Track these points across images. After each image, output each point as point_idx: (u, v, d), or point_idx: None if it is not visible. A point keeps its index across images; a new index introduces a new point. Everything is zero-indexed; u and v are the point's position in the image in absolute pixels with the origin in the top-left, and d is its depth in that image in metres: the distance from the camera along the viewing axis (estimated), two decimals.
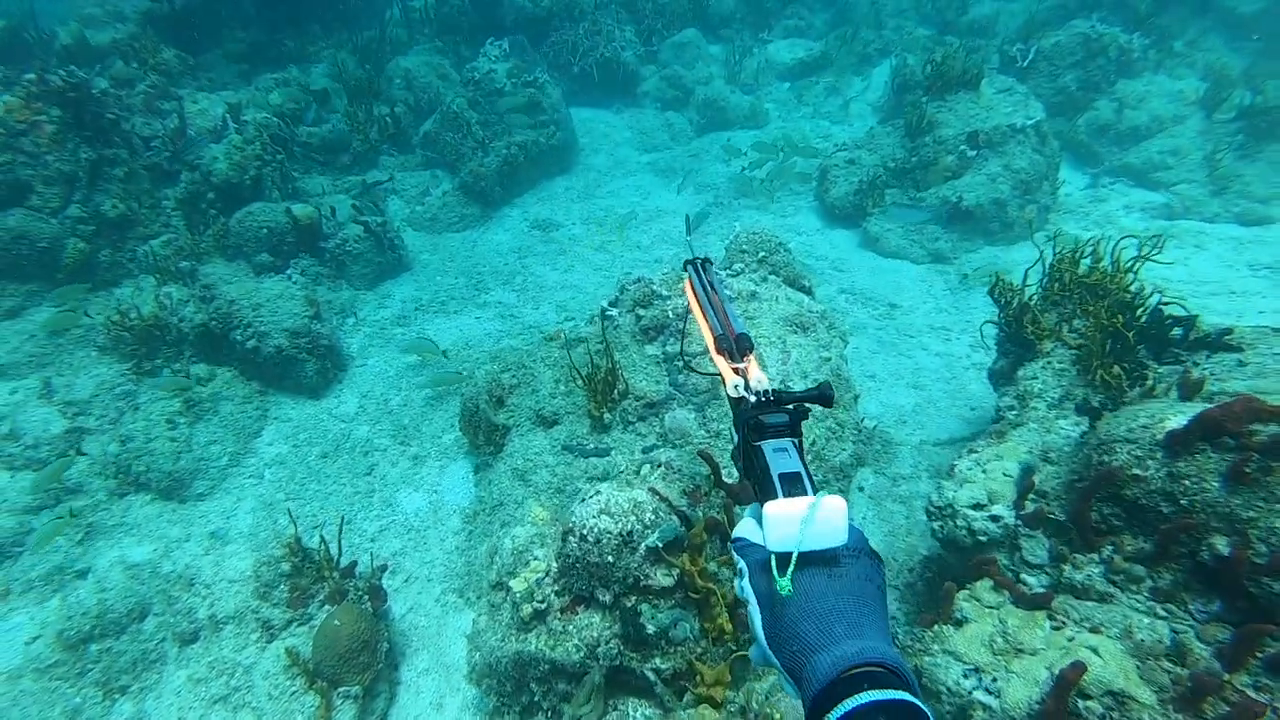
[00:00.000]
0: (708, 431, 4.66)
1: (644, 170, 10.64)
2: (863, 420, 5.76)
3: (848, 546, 1.12)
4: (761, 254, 5.63)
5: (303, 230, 7.74)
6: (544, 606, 3.41)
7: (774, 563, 1.09)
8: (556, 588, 3.48)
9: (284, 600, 4.36)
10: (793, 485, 1.17)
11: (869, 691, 0.90)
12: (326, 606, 4.32)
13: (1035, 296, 5.11)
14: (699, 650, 3.32)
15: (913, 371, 6.64)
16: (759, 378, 1.42)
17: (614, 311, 5.27)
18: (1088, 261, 5.17)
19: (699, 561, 3.32)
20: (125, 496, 5.54)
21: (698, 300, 1.75)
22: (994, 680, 3.02)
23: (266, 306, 6.39)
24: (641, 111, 11.82)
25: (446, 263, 8.67)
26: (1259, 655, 2.79)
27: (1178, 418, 3.34)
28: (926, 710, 0.89)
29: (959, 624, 3.28)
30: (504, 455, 5.24)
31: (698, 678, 3.27)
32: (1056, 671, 2.82)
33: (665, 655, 3.29)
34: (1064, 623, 3.17)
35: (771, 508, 1.11)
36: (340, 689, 3.91)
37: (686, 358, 4.92)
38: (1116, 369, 4.32)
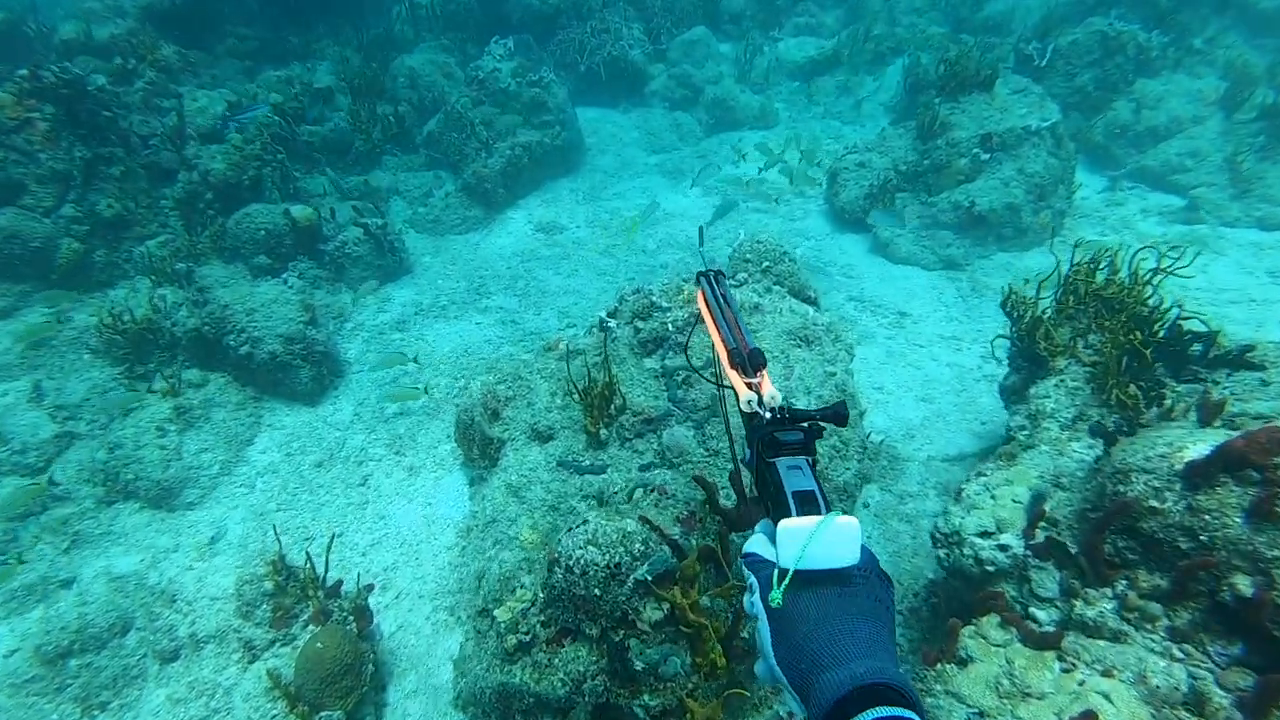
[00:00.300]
0: (706, 450, 4.50)
1: (651, 171, 10.47)
2: (869, 435, 5.59)
3: (859, 567, 1.13)
4: (765, 263, 5.46)
5: (301, 232, 7.63)
6: (529, 639, 3.27)
7: (775, 577, 1.11)
8: (543, 618, 3.34)
9: (267, 620, 4.24)
10: (807, 504, 1.19)
11: (876, 709, 0.91)
12: (310, 627, 4.20)
13: (1049, 310, 4.93)
14: (690, 686, 3.17)
15: (922, 383, 6.46)
16: (772, 393, 1.42)
17: (612, 323, 5.12)
18: (1104, 272, 4.98)
19: (691, 594, 3.16)
20: (113, 505, 5.45)
21: (710, 313, 1.75)
22: None
23: (261, 311, 6.27)
24: (649, 111, 11.65)
25: (448, 266, 8.54)
26: None
27: (1198, 446, 3.16)
28: None
29: (963, 663, 3.12)
30: (498, 469, 5.10)
31: (689, 715, 3.12)
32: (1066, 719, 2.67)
33: (655, 692, 3.14)
34: (1074, 664, 3.00)
35: (785, 525, 1.13)
36: (322, 713, 3.79)
37: (689, 370, 4.76)
38: (1133, 388, 4.13)
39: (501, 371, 5.49)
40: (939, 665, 3.17)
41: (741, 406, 1.43)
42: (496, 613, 3.36)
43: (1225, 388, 4.14)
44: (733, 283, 5.31)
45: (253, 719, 3.91)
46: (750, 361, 1.53)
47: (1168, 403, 4.08)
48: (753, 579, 1.21)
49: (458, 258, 8.69)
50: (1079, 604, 3.25)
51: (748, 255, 5.51)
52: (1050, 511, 3.65)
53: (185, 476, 5.55)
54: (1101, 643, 3.06)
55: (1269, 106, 8.99)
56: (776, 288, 5.40)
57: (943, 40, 12.24)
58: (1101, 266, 4.97)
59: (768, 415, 1.38)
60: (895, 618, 1.23)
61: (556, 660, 3.22)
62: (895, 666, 1.03)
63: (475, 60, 10.41)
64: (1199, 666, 2.90)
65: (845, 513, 1.15)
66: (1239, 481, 2.94)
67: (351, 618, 4.21)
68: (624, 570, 3.10)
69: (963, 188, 8.44)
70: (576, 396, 4.78)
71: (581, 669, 3.17)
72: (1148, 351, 4.21)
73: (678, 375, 4.77)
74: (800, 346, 4.97)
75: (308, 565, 4.32)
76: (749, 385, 1.47)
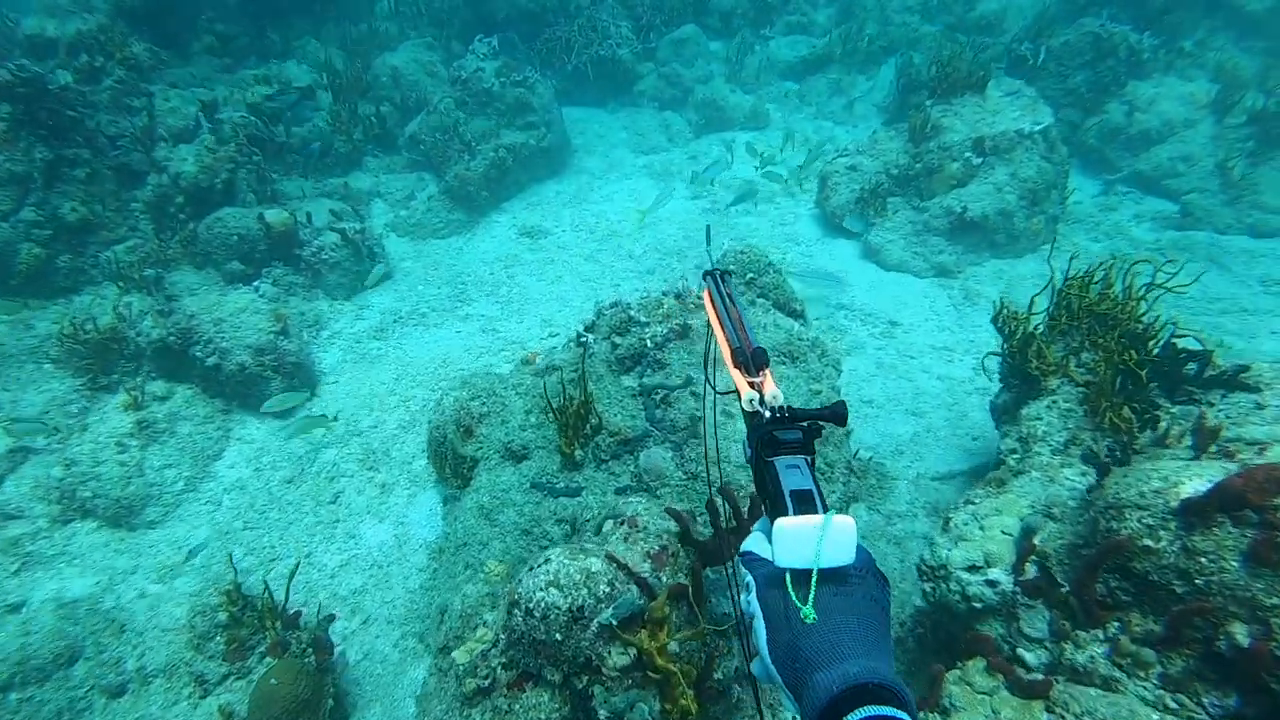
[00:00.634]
0: (685, 473, 4.33)
1: (640, 173, 10.26)
2: (857, 453, 5.42)
3: (855, 566, 1.13)
4: (750, 275, 5.28)
5: (276, 237, 7.42)
6: (488, 683, 3.09)
7: (789, 580, 1.11)
8: (504, 659, 3.16)
9: (220, 653, 4.05)
10: (804, 503, 1.19)
11: (867, 708, 0.91)
12: (267, 659, 4.01)
13: (1041, 326, 4.76)
14: None
15: (913, 396, 6.28)
16: (774, 392, 1.42)
17: (589, 337, 4.94)
18: (1098, 287, 4.81)
19: (660, 637, 2.99)
20: (69, 524, 5.25)
21: (716, 312, 1.74)
22: None
23: (229, 321, 6.07)
24: (638, 111, 11.44)
25: (429, 271, 8.34)
26: None
27: (1194, 482, 3.00)
28: None
29: (946, 713, 2.95)
30: (471, 490, 4.91)
31: None
32: None
33: None
34: (1064, 715, 2.83)
35: (782, 524, 1.13)
36: None
37: (667, 389, 4.59)
38: (1126, 410, 3.97)
39: (476, 387, 5.30)
40: (921, 714, 3.00)
41: (743, 405, 1.43)
42: (455, 654, 3.18)
43: (1220, 410, 3.99)
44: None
45: None
46: (754, 360, 1.51)
47: (1162, 425, 3.92)
48: (749, 577, 1.21)
49: (439, 263, 8.48)
50: (1069, 647, 3.08)
51: (732, 266, 5.33)
52: (1041, 545, 3.48)
53: (147, 494, 5.35)
54: (1092, 691, 2.89)
55: (1259, 111, 8.85)
56: (761, 300, 5.23)
57: (936, 39, 12.06)
58: (1095, 280, 4.81)
59: (768, 414, 1.38)
60: (891, 617, 1.19)
61: (517, 706, 3.04)
62: (889, 666, 1.03)
63: (460, 59, 10.19)
64: (1194, 717, 2.74)
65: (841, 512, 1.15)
66: (1236, 522, 2.77)
67: (310, 650, 4.03)
68: (587, 613, 2.92)
69: (955, 192, 8.26)
70: (551, 416, 4.60)
71: (543, 717, 2.99)
72: (1143, 372, 4.05)
73: (656, 394, 4.59)
74: (785, 363, 4.80)
75: (265, 594, 4.13)
76: (751, 384, 1.46)
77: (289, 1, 11.04)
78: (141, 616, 4.59)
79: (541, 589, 2.95)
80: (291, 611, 4.17)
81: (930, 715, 2.96)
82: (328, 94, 9.87)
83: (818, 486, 1.23)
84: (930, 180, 8.46)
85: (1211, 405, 4.04)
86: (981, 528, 3.68)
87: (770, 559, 1.16)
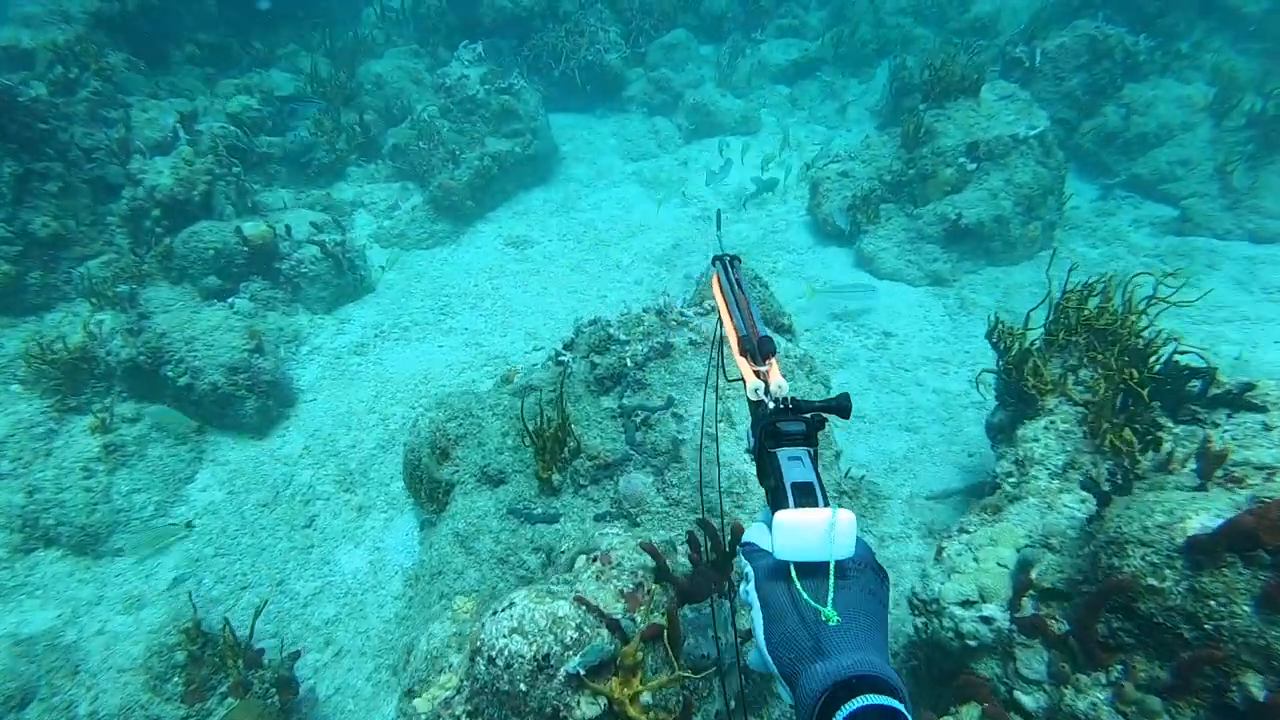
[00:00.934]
0: (666, 499, 4.15)
1: (629, 180, 10.08)
2: (848, 471, 5.24)
3: (854, 560, 1.14)
4: None
5: (255, 251, 7.24)
6: None
7: (794, 574, 1.12)
8: (468, 708, 2.97)
9: (179, 694, 3.86)
10: (804, 495, 1.19)
11: (860, 698, 0.93)
12: (229, 700, 3.82)
13: (1038, 341, 4.58)
14: None
15: (907, 411, 6.10)
16: (779, 383, 1.42)
17: (567, 356, 4.75)
18: (1096, 300, 4.63)
19: (633, 684, 2.80)
20: (31, 553, 5.05)
21: (724, 299, 1.72)
22: None
23: (202, 339, 5.89)
24: (627, 117, 11.26)
25: (412, 284, 8.16)
26: None
27: (1200, 517, 2.81)
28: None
29: None
30: (447, 515, 4.73)
31: None
32: None
33: None
34: None
35: (781, 517, 1.13)
36: None
37: (648, 410, 4.41)
38: (1128, 432, 3.79)
39: (453, 407, 5.12)
40: None
41: (748, 394, 1.43)
42: (417, 702, 3.00)
43: (1226, 430, 3.82)
44: (698, 310, 4.94)
45: None
46: (760, 349, 1.50)
47: (1165, 447, 3.75)
48: (748, 568, 1.22)
49: (423, 275, 8.30)
50: (1069, 692, 2.89)
51: None
52: (1038, 579, 3.30)
53: (114, 520, 5.17)
54: None
55: (1258, 114, 8.68)
56: None
57: (929, 42, 11.90)
58: (1095, 293, 4.63)
59: (771, 405, 1.38)
60: (888, 611, 1.19)
61: None
62: (884, 659, 1.04)
63: (446, 65, 10.02)
64: None
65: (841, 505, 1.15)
66: (1248, 563, 2.59)
67: (274, 690, 3.84)
68: (553, 662, 2.73)
69: (949, 199, 8.09)
70: (528, 440, 4.42)
71: None
72: (1144, 392, 3.87)
73: (636, 415, 4.41)
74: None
75: (226, 631, 3.94)
76: (757, 373, 1.46)
77: (273, 9, 10.86)
78: (97, 656, 4.39)
79: (504, 635, 2.76)
80: (256, 648, 3.98)
81: None
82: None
83: (819, 479, 1.23)
84: (924, 186, 8.29)
85: (1217, 426, 3.87)
86: (976, 559, 3.49)
87: (770, 551, 1.16)
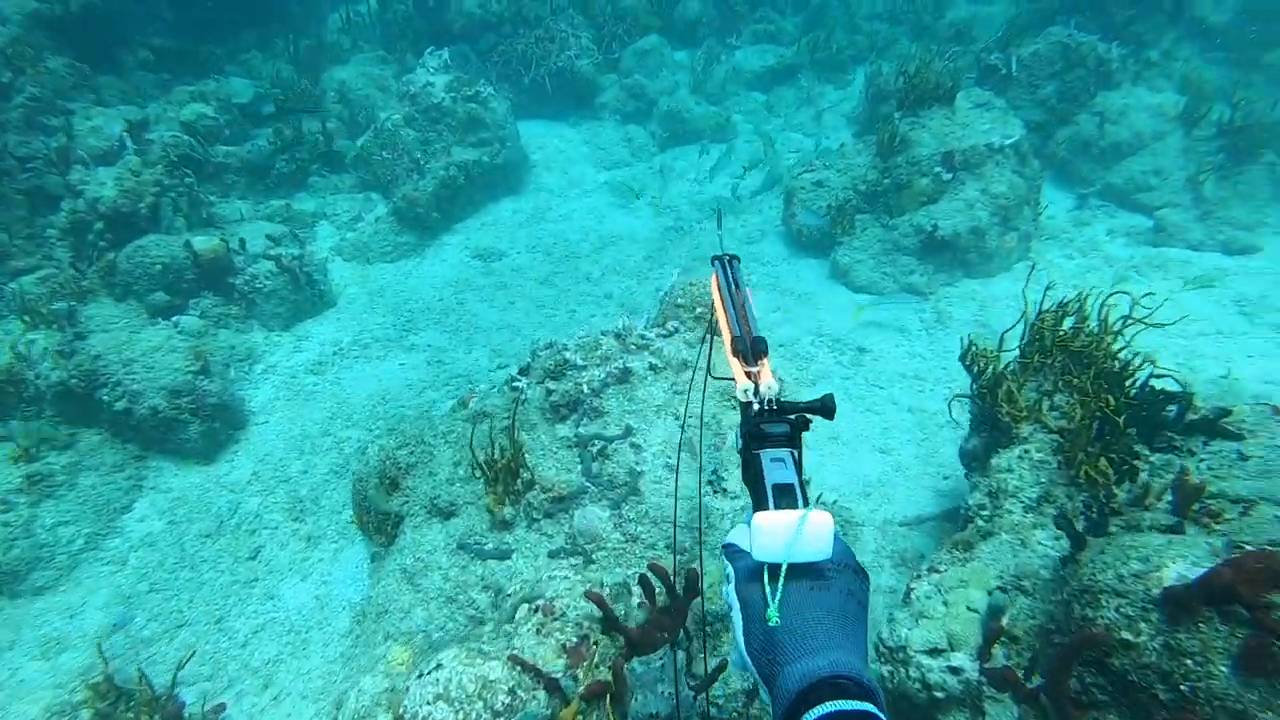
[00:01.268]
0: (624, 535, 3.93)
1: (601, 190, 9.86)
2: (820, 496, 5.05)
3: (833, 561, 1.16)
4: (699, 309, 4.90)
5: (205, 265, 6.95)
6: None
7: (766, 577, 1.13)
8: None
9: None
10: (784, 497, 1.21)
11: (833, 702, 0.94)
12: None
13: (1012, 364, 4.40)
14: None
15: (881, 431, 5.92)
16: (769, 384, 1.43)
17: (522, 382, 4.52)
18: (1071, 320, 4.46)
19: None
20: None
21: (721, 298, 1.71)
22: None
23: (141, 361, 5.60)
24: (600, 124, 11.04)
25: (375, 298, 7.89)
26: None
27: (1177, 565, 2.63)
28: None
29: None
30: (394, 550, 4.49)
31: None
32: None
33: None
34: None
35: (759, 519, 1.16)
36: None
37: (605, 440, 4.19)
38: (1103, 462, 3.62)
39: (404, 434, 4.88)
40: None
41: (738, 395, 1.43)
42: None
43: (1202, 459, 3.66)
44: (661, 332, 4.73)
45: None
46: (753, 349, 1.49)
47: (1141, 477, 3.58)
48: (730, 569, 1.23)
49: (386, 289, 8.03)
50: None
51: (679, 300, 4.94)
52: (1010, 625, 3.11)
53: (35, 556, 4.86)
54: None
55: (1226, 124, 8.61)
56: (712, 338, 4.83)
57: (904, 48, 11.77)
58: (1070, 312, 4.46)
59: (756, 406, 1.40)
60: (868, 611, 1.19)
61: None
62: (861, 660, 1.06)
63: (411, 73, 9.75)
64: None
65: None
66: (1225, 618, 2.40)
67: None
68: None
69: (925, 209, 7.93)
70: (479, 471, 4.18)
71: None
72: (1120, 420, 3.70)
73: (593, 445, 4.18)
74: (733, 408, 4.40)
75: (142, 684, 3.67)
76: (748, 374, 1.45)
77: (235, 14, 10.55)
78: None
79: (429, 702, 2.53)
80: (177, 701, 3.71)
81: None
82: (274, 111, 9.42)
83: (800, 481, 1.26)
84: (899, 196, 8.13)
85: (1193, 454, 3.72)
86: (945, 602, 3.30)
87: (749, 551, 1.17)
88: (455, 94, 8.88)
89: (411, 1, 11.37)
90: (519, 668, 2.67)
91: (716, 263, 1.85)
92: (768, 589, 1.11)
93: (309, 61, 10.40)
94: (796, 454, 1.32)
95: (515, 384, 4.51)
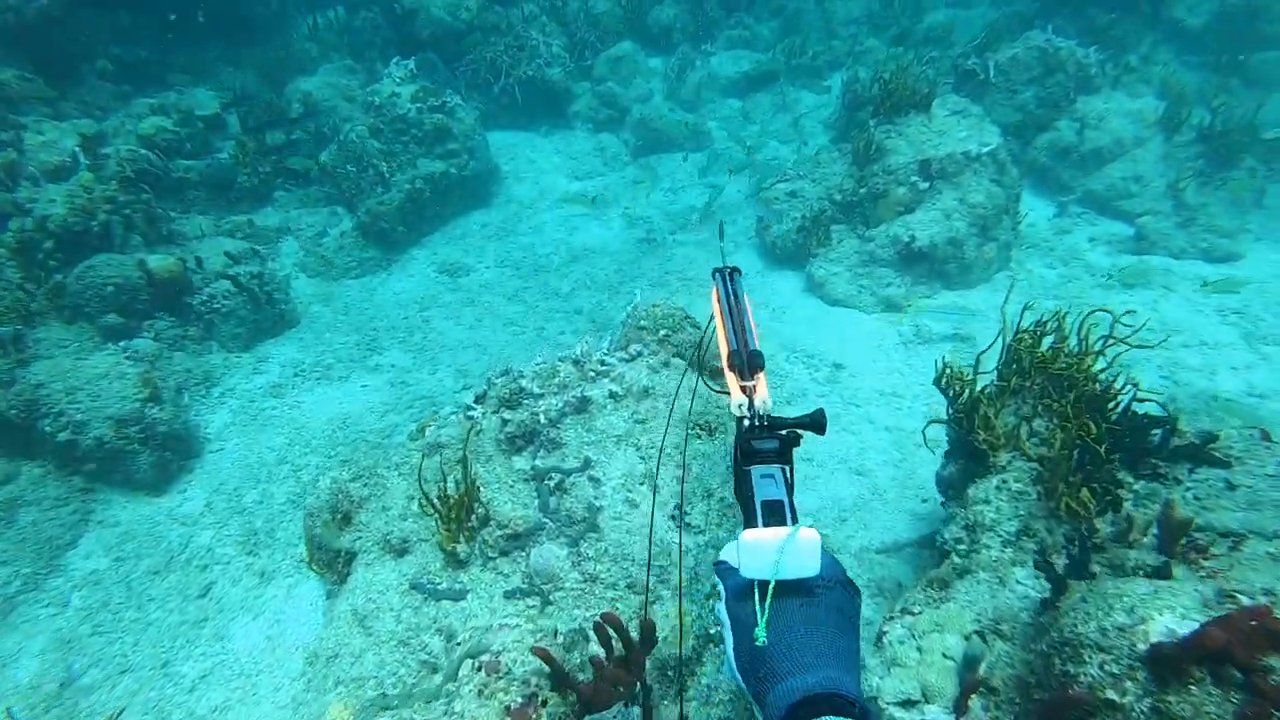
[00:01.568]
0: (582, 574, 3.72)
1: (572, 200, 9.64)
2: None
3: (822, 577, 1.15)
4: (664, 331, 4.70)
5: (160, 285, 6.69)
6: None
7: (757, 595, 1.12)
8: None
9: None
10: (774, 514, 1.22)
11: (823, 718, 0.94)
12: None
13: (989, 387, 4.23)
14: None
15: (857, 452, 5.74)
16: (764, 399, 1.45)
17: (476, 411, 4.31)
18: (1050, 339, 4.30)
19: None
20: None
21: (721, 311, 1.72)
22: None
23: (86, 389, 5.35)
24: (572, 133, 10.84)
25: (339, 316, 7.64)
26: None
27: (1165, 617, 2.46)
28: None
29: None
30: (346, 589, 4.26)
31: None
32: None
33: None
34: None
35: (746, 536, 1.16)
36: None
37: (564, 473, 3.99)
38: (1085, 493, 3.45)
39: (358, 465, 4.65)
40: None
41: (732, 409, 1.44)
42: None
43: (1188, 489, 3.50)
44: (624, 355, 4.53)
45: None
46: (749, 364, 1.51)
47: (1126, 508, 3.42)
48: (721, 586, 1.23)
49: (350, 306, 7.79)
50: None
51: (643, 322, 4.74)
52: (987, 674, 2.93)
53: None
54: None
55: (1205, 130, 8.52)
56: (677, 360, 4.64)
57: (881, 53, 11.65)
58: (1049, 331, 4.30)
59: (748, 422, 1.41)
60: (858, 626, 1.17)
61: None
62: (852, 676, 1.05)
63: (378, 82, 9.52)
64: None
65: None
66: (1218, 680, 2.23)
67: None
68: None
69: (902, 220, 7.78)
70: (429, 508, 3.96)
71: None
72: (1102, 448, 3.53)
73: (550, 478, 3.98)
74: (702, 437, 4.21)
75: None
76: (743, 389, 1.47)
77: (199, 24, 10.27)
78: None
79: None
80: None
81: None
82: (237, 123, 9.18)
83: (790, 497, 1.26)
84: (876, 206, 7.98)
85: (1179, 482, 3.55)
86: (919, 649, 3.11)
87: (739, 569, 1.17)
88: (422, 104, 8.66)
89: (379, 10, 11.13)
90: None
91: (718, 275, 1.88)
92: (758, 608, 1.10)
93: (276, 72, 10.14)
94: (788, 470, 1.33)
95: (470, 413, 4.30)
